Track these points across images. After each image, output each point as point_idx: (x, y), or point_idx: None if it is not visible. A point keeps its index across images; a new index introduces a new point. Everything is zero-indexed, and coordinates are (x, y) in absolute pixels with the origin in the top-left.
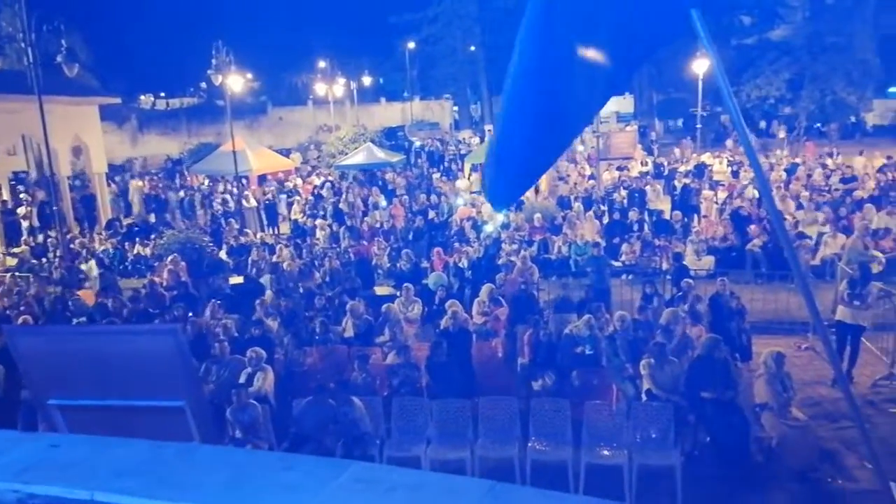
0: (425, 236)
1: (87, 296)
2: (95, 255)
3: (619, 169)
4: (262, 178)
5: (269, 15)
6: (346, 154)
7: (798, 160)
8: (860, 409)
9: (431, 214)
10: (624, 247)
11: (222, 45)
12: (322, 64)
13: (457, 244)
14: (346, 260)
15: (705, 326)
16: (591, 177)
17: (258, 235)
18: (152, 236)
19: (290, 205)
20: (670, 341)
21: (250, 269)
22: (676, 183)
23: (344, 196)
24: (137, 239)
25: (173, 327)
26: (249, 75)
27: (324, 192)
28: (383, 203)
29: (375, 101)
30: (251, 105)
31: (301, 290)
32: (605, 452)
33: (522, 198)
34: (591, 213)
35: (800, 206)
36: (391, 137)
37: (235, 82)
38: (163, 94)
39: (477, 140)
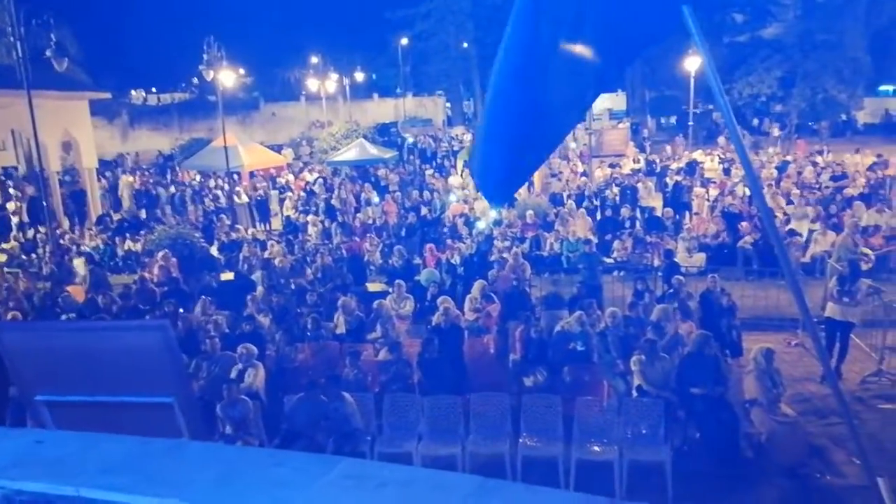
0: (417, 233)
1: (77, 292)
2: (85, 251)
3: (612, 166)
4: (254, 174)
5: (262, 10)
6: (339, 150)
7: (789, 158)
8: (848, 406)
9: (424, 211)
10: (616, 244)
11: (214, 41)
12: (315, 59)
13: (449, 241)
14: (338, 256)
15: (696, 323)
16: (584, 174)
17: (249, 231)
18: (142, 232)
19: (281, 201)
20: (661, 338)
21: (242, 266)
22: (668, 180)
23: (336, 192)
24: (128, 235)
25: (162, 323)
26: (241, 71)
27: (316, 189)
28: (375, 199)
29: (368, 97)
30: (243, 100)
31: (293, 287)
32: (596, 448)
33: (515, 195)
34: (582, 210)
35: (790, 204)
36: (384, 133)
37: (227, 78)
38: (154, 90)
39: (469, 137)
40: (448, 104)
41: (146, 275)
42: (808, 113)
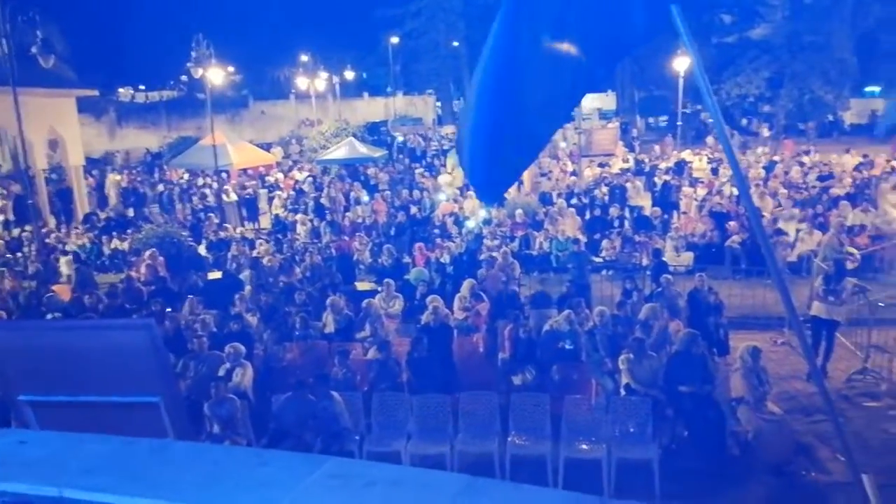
0: (407, 232)
1: (63, 291)
2: (71, 249)
3: (601, 165)
4: (243, 173)
5: (251, 8)
6: (328, 149)
7: (776, 158)
8: (834, 403)
9: (413, 210)
10: (604, 243)
11: (202, 38)
12: (304, 58)
13: (439, 240)
14: (328, 255)
15: (683, 321)
16: (574, 173)
17: (238, 230)
18: (130, 231)
19: (270, 199)
20: (649, 336)
21: (230, 264)
22: (657, 180)
23: (325, 191)
24: (115, 233)
25: (147, 322)
26: (230, 68)
27: (305, 187)
28: (365, 198)
29: (358, 96)
30: (232, 99)
31: (281, 286)
32: (584, 447)
33: (505, 194)
34: (572, 209)
35: (778, 204)
36: (374, 132)
37: (216, 75)
38: (142, 87)
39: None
40: (438, 103)
41: (133, 274)
42: (796, 113)
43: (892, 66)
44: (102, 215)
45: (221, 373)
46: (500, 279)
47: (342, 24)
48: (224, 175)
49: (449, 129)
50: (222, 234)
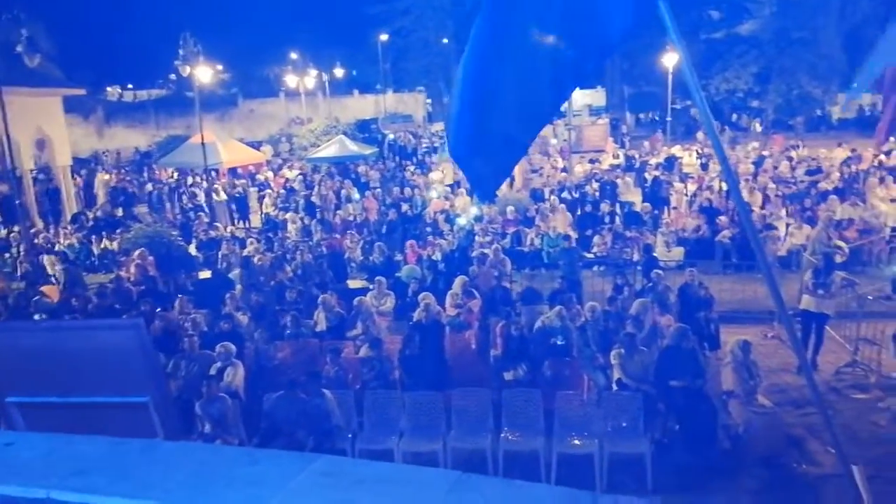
0: (398, 229)
1: (52, 291)
2: (59, 250)
3: (591, 161)
4: (232, 171)
5: (240, 5)
6: (319, 147)
7: (765, 153)
8: (823, 396)
9: (405, 207)
10: (595, 239)
11: (190, 36)
12: (294, 55)
13: (430, 237)
14: (319, 253)
15: (674, 316)
16: (564, 169)
17: (228, 229)
18: (119, 230)
19: (261, 198)
20: (640, 331)
21: (220, 264)
22: (647, 175)
23: (316, 189)
24: (104, 233)
25: (135, 322)
26: (219, 67)
27: (295, 185)
28: (356, 196)
29: (348, 94)
30: (221, 97)
31: (272, 284)
32: (577, 442)
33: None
34: (563, 205)
35: (766, 198)
36: (364, 130)
37: (204, 74)
38: (130, 86)
39: None
40: (428, 100)
41: (122, 274)
42: (784, 108)
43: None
44: (91, 215)
45: (213, 372)
46: (492, 276)
47: (331, 22)
48: (214, 174)
49: (439, 126)
50: (212, 234)
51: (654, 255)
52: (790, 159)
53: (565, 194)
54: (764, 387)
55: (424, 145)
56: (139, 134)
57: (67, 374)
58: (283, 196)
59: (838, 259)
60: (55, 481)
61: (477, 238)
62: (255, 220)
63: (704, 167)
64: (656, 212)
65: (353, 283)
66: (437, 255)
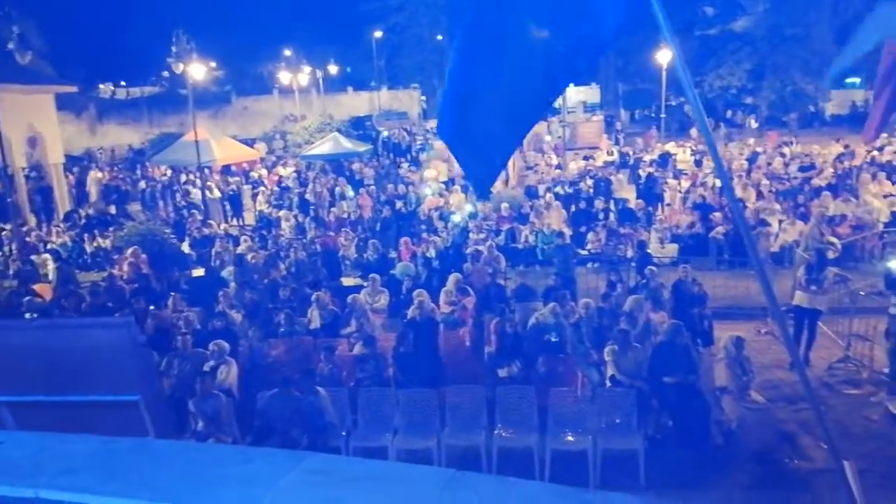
0: (393, 226)
1: (45, 290)
2: (52, 248)
3: (586, 158)
4: (226, 169)
5: (233, 3)
6: (313, 144)
7: (759, 149)
8: (815, 392)
9: (399, 205)
10: (590, 235)
11: (183, 33)
12: (288, 52)
13: (424, 234)
14: (313, 251)
15: (668, 312)
16: (559, 166)
17: (222, 227)
18: (112, 228)
19: (254, 195)
20: (634, 328)
21: (214, 261)
22: (641, 172)
23: (310, 186)
24: (97, 231)
25: (126, 320)
26: (213, 64)
27: (290, 183)
28: (350, 193)
29: (342, 91)
30: (215, 94)
31: (266, 282)
32: (570, 438)
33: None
34: (557, 202)
35: (760, 195)
36: (358, 127)
37: (197, 71)
38: (123, 83)
39: None
40: (423, 97)
41: (115, 272)
42: (778, 105)
43: (873, 58)
44: (83, 213)
45: (206, 369)
46: (486, 273)
47: (325, 19)
48: (207, 171)
49: (434, 123)
50: (206, 231)
51: (648, 251)
52: (783, 156)
53: (559, 189)
54: (757, 383)
55: (419, 142)
56: (132, 131)
57: (58, 372)
58: (277, 193)
59: (831, 255)
60: (44, 480)
61: (471, 235)
62: (249, 218)
63: (698, 164)
64: (650, 208)
65: (347, 281)
66: (432, 253)
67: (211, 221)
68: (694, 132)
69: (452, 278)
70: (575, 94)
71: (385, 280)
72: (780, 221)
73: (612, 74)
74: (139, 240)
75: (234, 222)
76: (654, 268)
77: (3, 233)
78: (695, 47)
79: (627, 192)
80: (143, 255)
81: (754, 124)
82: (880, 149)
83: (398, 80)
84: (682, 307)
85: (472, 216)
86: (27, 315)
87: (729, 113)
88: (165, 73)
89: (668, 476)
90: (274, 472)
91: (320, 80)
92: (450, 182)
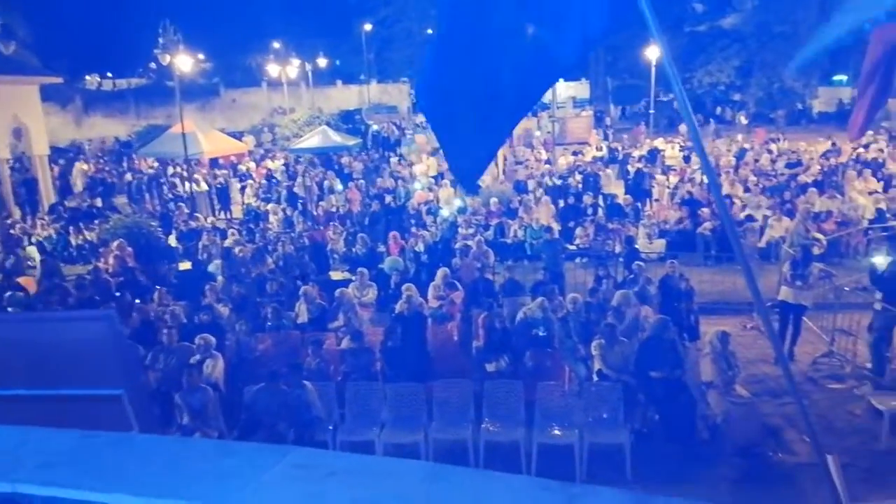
0: (381, 221)
1: (29, 283)
2: (37, 241)
3: (575, 154)
4: (214, 162)
5: None
6: (301, 137)
7: (747, 146)
8: (799, 386)
9: (388, 199)
10: (578, 230)
11: (170, 24)
12: (276, 45)
13: (413, 228)
14: (301, 245)
15: (655, 307)
16: (548, 161)
17: (209, 220)
18: (97, 221)
19: (242, 189)
20: (621, 322)
21: (201, 255)
22: (630, 168)
23: (299, 180)
24: (82, 224)
25: (108, 313)
26: (200, 56)
27: (278, 176)
28: (339, 187)
29: (332, 84)
30: (203, 86)
31: (253, 276)
32: (557, 432)
33: (479, 182)
34: (546, 197)
35: (747, 191)
36: (348, 120)
37: (185, 63)
38: (109, 74)
39: None
40: (412, 91)
41: (101, 265)
42: (766, 101)
43: (859, 56)
44: (68, 205)
45: (192, 363)
46: (475, 267)
47: (314, 11)
48: (194, 164)
49: (423, 118)
50: (193, 224)
51: (636, 246)
52: (770, 152)
53: (547, 180)
54: (742, 377)
55: (409, 136)
56: (118, 123)
57: (40, 366)
58: (265, 187)
59: (816, 251)
60: (22, 475)
61: (460, 230)
62: (237, 211)
63: (687, 160)
64: (638, 204)
65: (336, 275)
66: (420, 247)
67: (198, 214)
68: (682, 128)
69: (441, 273)
70: (564, 90)
71: (373, 274)
72: (766, 217)
73: (601, 70)
74: (125, 233)
75: (222, 215)
76: (641, 263)
77: None
78: (684, 44)
79: (616, 188)
80: (129, 249)
81: (744, 121)
82: (866, 146)
83: (388, 74)
84: (669, 302)
85: (461, 211)
86: (10, 308)
87: (718, 109)
88: (153, 65)
89: (655, 470)
90: (257, 466)
91: (309, 73)
92: (439, 176)
